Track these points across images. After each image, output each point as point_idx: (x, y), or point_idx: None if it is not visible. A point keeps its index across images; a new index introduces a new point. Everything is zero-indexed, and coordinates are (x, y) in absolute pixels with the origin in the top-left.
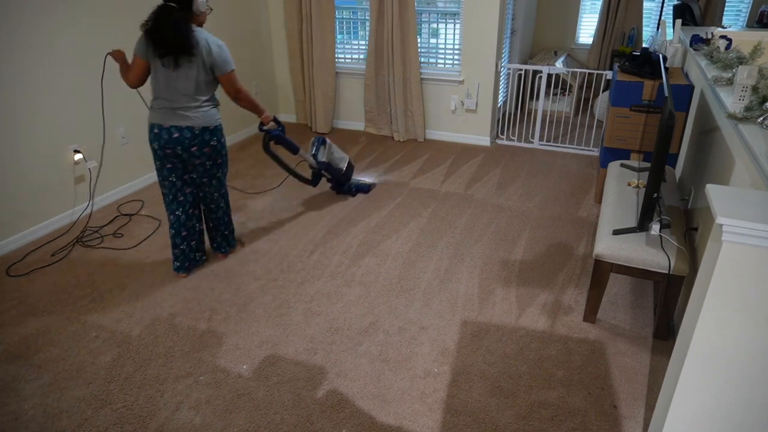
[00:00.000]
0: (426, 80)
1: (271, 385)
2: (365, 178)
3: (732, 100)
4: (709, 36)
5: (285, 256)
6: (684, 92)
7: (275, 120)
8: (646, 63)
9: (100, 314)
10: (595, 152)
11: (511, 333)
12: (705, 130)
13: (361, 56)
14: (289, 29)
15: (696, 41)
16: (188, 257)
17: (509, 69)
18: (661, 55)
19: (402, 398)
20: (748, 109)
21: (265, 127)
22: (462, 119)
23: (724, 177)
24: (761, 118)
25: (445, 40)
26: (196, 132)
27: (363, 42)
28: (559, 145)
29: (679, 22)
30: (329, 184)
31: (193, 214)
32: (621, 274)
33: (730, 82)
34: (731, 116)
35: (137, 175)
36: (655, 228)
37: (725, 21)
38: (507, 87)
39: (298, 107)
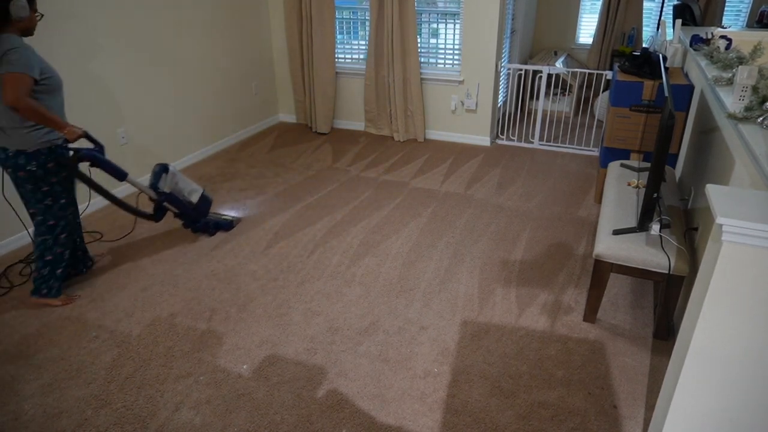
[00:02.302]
0: (426, 80)
1: (271, 385)
2: (228, 212)
3: (732, 100)
4: (709, 36)
5: (285, 256)
6: (684, 92)
7: (88, 136)
8: (646, 63)
9: (100, 314)
10: (595, 152)
11: (511, 333)
12: (705, 130)
13: (361, 56)
14: (289, 29)
15: (696, 41)
16: (75, 266)
17: (509, 69)
18: (661, 55)
19: (402, 398)
20: (748, 109)
21: (70, 145)
22: (462, 119)
23: (724, 177)
24: (761, 118)
25: (445, 40)
26: (9, 154)
27: (363, 42)
28: (559, 145)
29: (679, 22)
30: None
31: (69, 231)
32: (621, 274)
33: (730, 82)
34: (731, 116)
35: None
36: (655, 228)
37: (725, 21)
38: (507, 87)
39: (298, 107)
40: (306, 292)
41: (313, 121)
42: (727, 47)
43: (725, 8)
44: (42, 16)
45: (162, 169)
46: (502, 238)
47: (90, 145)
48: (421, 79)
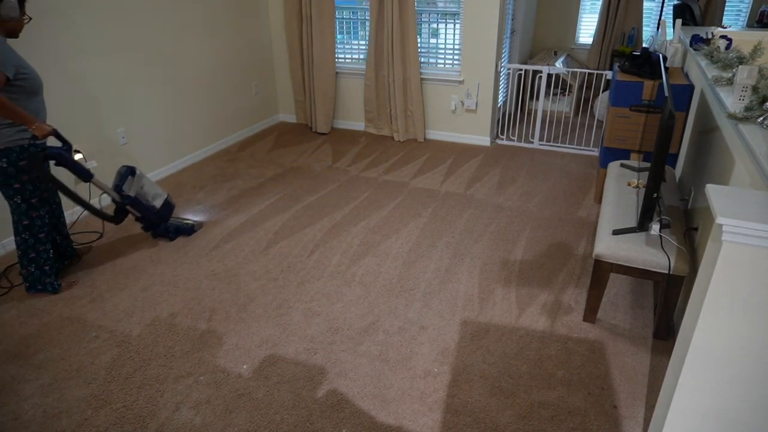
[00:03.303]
0: (426, 80)
1: (271, 385)
2: (190, 216)
3: (732, 100)
4: (709, 36)
5: (285, 256)
6: (684, 92)
7: (57, 134)
8: (646, 63)
9: (100, 314)
10: (595, 152)
11: (511, 333)
12: (705, 130)
13: (361, 56)
14: (289, 29)
15: (696, 41)
16: (61, 263)
17: (509, 69)
18: (661, 55)
19: (402, 398)
20: (748, 109)
21: (38, 142)
22: (462, 119)
23: (724, 177)
24: (761, 118)
25: (445, 40)
26: None
27: (363, 42)
28: (559, 145)
29: (679, 22)
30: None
31: (49, 232)
32: (621, 274)
33: (730, 82)
34: (731, 116)
35: None
36: (655, 228)
37: (725, 21)
38: (507, 87)
39: (298, 107)
40: (306, 292)
41: (313, 121)
42: (727, 47)
43: (725, 8)
44: (30, 19)
45: (128, 172)
46: (502, 238)
47: (59, 144)
48: (421, 79)
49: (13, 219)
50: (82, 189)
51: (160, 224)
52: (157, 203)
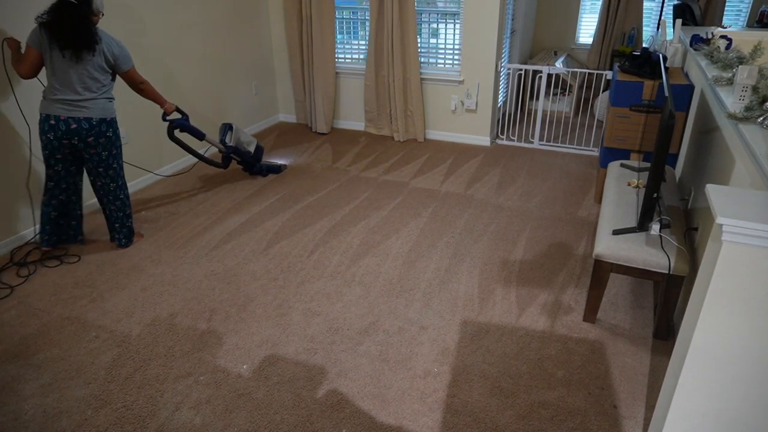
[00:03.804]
0: (426, 80)
1: (271, 385)
2: (277, 160)
3: (732, 100)
4: (709, 36)
5: (285, 256)
6: (684, 92)
7: (178, 109)
8: (646, 63)
9: (100, 314)
10: (595, 152)
11: (511, 333)
12: (705, 130)
13: (361, 56)
14: (289, 29)
15: (696, 41)
16: (67, 233)
17: (509, 69)
18: (661, 55)
19: (402, 398)
20: (748, 109)
21: (168, 117)
22: (462, 119)
23: (724, 177)
24: (761, 118)
25: (445, 40)
26: (94, 123)
27: (363, 42)
28: (559, 145)
29: (679, 21)
30: (241, 167)
31: (75, 200)
32: (621, 274)
33: (730, 82)
34: (731, 116)
35: (138, 174)
36: (655, 228)
37: (725, 21)
38: (507, 87)
39: (298, 107)
40: (306, 292)
41: (313, 121)
42: (727, 47)
43: (725, 8)
44: (103, 15)
45: (227, 128)
46: (502, 238)
47: (179, 116)
48: (421, 79)
49: (108, 189)
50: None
51: (256, 164)
52: (251, 148)
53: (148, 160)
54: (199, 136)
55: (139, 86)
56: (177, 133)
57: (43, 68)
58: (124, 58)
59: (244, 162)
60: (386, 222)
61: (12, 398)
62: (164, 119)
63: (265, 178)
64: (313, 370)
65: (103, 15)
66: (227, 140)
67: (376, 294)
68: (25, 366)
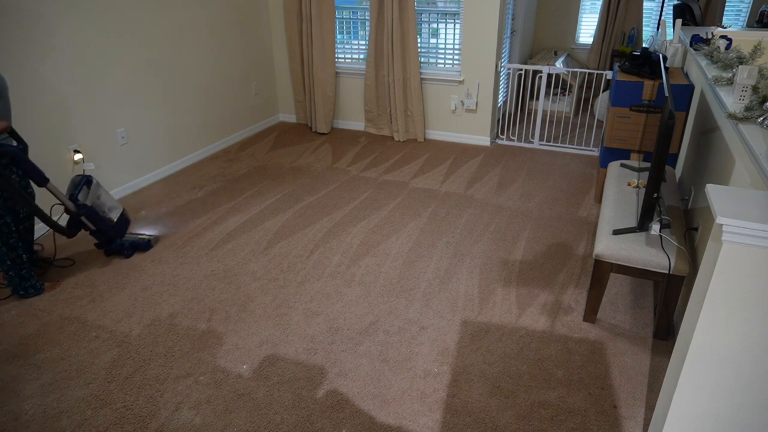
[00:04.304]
0: (426, 80)
1: (271, 385)
2: (143, 231)
3: (732, 100)
4: (709, 36)
5: (285, 256)
6: (684, 92)
7: (13, 133)
8: (646, 63)
9: (100, 314)
10: (595, 152)
11: (511, 333)
12: (705, 130)
13: (361, 56)
14: (289, 29)
15: (696, 41)
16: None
17: (509, 69)
18: (661, 55)
19: (402, 398)
20: (748, 108)
21: None
22: (462, 119)
23: (724, 177)
24: (761, 118)
25: (445, 40)
26: None
27: (363, 42)
28: (559, 145)
29: (679, 21)
30: (95, 240)
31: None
32: (621, 274)
33: (730, 82)
34: (731, 116)
35: (137, 175)
36: (655, 228)
37: (725, 21)
38: (507, 87)
39: (298, 107)
40: (306, 292)
41: (313, 121)
42: (727, 47)
43: (725, 8)
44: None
45: (83, 181)
46: (502, 238)
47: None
48: (421, 79)
49: None
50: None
51: (116, 239)
52: (114, 216)
53: (148, 160)
54: (40, 179)
55: None
56: (1, 164)
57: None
58: None
59: (99, 232)
60: (386, 222)
61: (12, 398)
62: None
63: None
64: (313, 370)
65: None
66: (80, 197)
67: (376, 294)
68: (25, 366)
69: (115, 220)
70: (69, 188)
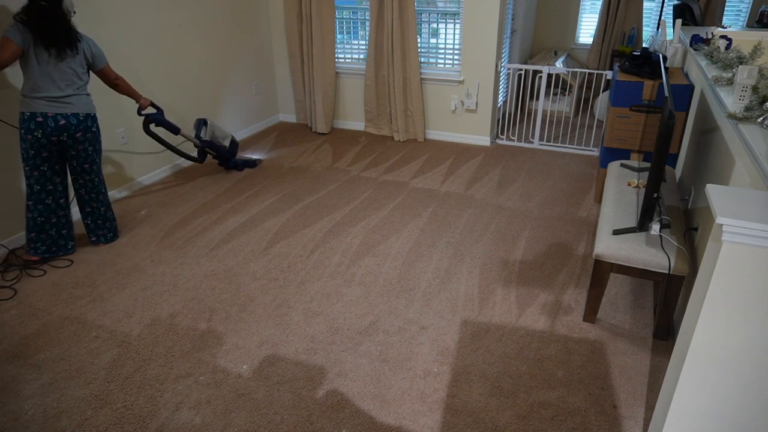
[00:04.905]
0: (426, 80)
1: (271, 385)
2: (253, 155)
3: (732, 100)
4: (709, 36)
5: (285, 256)
6: (684, 92)
7: (153, 104)
8: (646, 63)
9: (100, 314)
10: (595, 152)
11: (511, 333)
12: (705, 130)
13: (361, 56)
14: (289, 29)
15: (696, 41)
16: (57, 243)
17: (509, 69)
18: (661, 55)
19: (402, 398)
20: (748, 109)
21: (143, 112)
22: (462, 119)
23: (724, 177)
24: (761, 118)
25: (445, 40)
26: (81, 118)
27: (363, 42)
28: (559, 145)
29: (679, 22)
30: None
31: (63, 204)
32: (621, 274)
33: (730, 82)
34: (731, 116)
35: (141, 173)
36: (655, 228)
37: (725, 21)
38: (507, 87)
39: (298, 107)
40: (306, 292)
41: (313, 121)
42: (727, 47)
43: (725, 8)
44: (75, 13)
45: (202, 123)
46: (502, 238)
47: (154, 111)
48: (421, 79)
49: (93, 184)
50: None
51: (231, 159)
52: (226, 143)
53: (148, 159)
54: (174, 130)
55: (114, 82)
56: (153, 127)
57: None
58: (99, 56)
59: (219, 156)
60: (386, 222)
61: (12, 398)
62: (139, 114)
63: (240, 173)
64: (313, 370)
65: (74, 13)
66: (202, 135)
67: (376, 294)
68: (25, 366)
69: (228, 145)
70: (194, 129)
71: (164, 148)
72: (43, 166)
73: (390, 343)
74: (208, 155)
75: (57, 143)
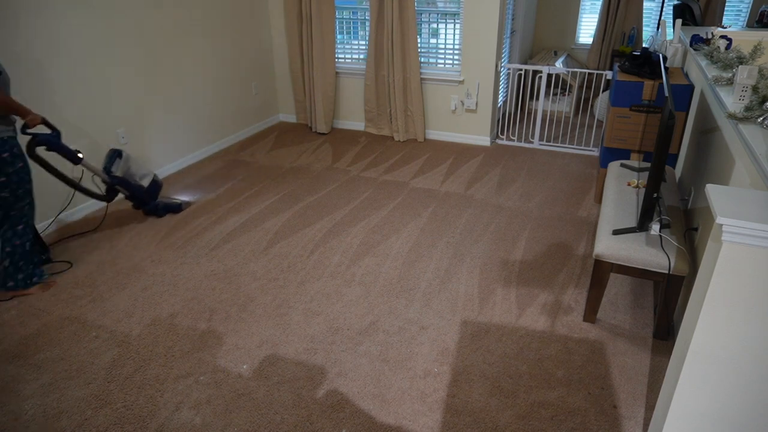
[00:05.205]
0: (426, 80)
1: (271, 385)
2: (179, 196)
3: (732, 100)
4: (709, 36)
5: (285, 256)
6: (684, 92)
7: (46, 123)
8: (646, 63)
9: (100, 314)
10: (595, 152)
11: (511, 333)
12: (705, 130)
13: (361, 56)
14: (289, 29)
15: (696, 41)
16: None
17: (509, 69)
18: (661, 55)
19: (402, 398)
20: (748, 109)
21: (29, 131)
22: (462, 119)
23: (724, 177)
24: (761, 118)
25: (445, 40)
26: None
27: (363, 42)
28: (559, 145)
29: (679, 22)
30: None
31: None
32: (621, 274)
33: (730, 82)
34: (731, 116)
35: None
36: (655, 228)
37: (725, 21)
38: (507, 87)
39: (298, 107)
40: (306, 292)
41: (313, 121)
42: (727, 47)
43: (725, 8)
44: None
45: (115, 154)
46: (502, 238)
47: (48, 131)
48: (421, 79)
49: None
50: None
51: (150, 202)
52: (145, 182)
53: (148, 159)
54: (73, 159)
55: None
56: (41, 151)
57: None
58: None
59: (133, 197)
60: (386, 222)
61: (12, 398)
62: (24, 132)
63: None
64: (313, 370)
65: None
66: (113, 169)
67: (376, 294)
68: (25, 366)
69: (146, 185)
70: (104, 161)
71: (59, 180)
72: None
73: (390, 343)
74: (120, 194)
75: None
